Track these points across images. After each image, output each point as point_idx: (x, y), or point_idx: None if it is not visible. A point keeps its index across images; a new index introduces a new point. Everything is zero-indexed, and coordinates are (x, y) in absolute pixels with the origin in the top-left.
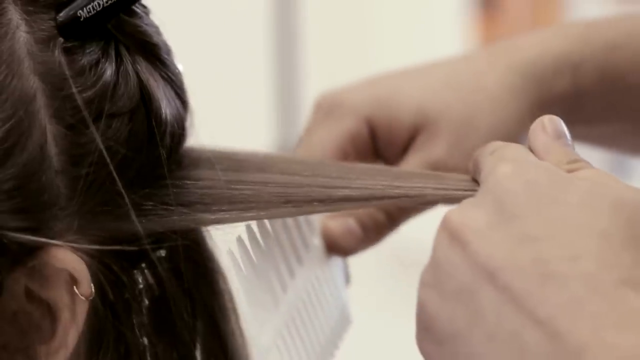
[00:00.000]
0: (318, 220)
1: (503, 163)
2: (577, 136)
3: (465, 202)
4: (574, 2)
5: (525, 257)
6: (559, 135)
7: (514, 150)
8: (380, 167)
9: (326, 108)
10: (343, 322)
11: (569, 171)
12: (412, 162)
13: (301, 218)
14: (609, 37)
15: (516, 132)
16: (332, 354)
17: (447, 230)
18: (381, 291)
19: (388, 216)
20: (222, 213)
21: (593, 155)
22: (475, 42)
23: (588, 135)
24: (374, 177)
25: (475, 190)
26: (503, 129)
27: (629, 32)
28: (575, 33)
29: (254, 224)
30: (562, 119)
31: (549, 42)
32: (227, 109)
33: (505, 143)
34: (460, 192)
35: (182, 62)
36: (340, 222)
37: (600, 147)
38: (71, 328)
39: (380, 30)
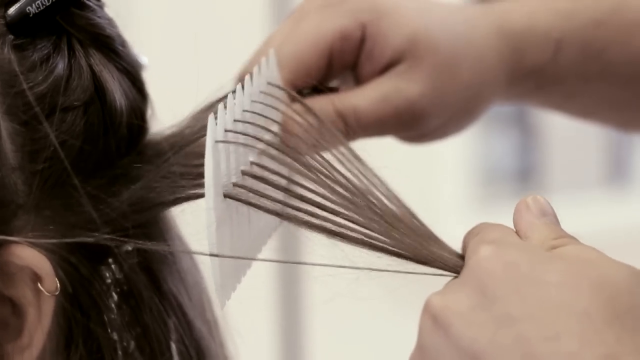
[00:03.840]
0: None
1: (484, 245)
2: (555, 108)
3: (447, 284)
4: None
5: (507, 338)
6: (544, 213)
7: (497, 231)
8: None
9: None
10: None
11: (554, 247)
12: (384, 85)
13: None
14: (594, 13)
15: (488, 93)
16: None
17: (430, 314)
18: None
19: (346, 128)
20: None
21: (593, 158)
22: None
23: (565, 107)
24: (369, 218)
25: (457, 271)
26: (478, 86)
27: (614, 7)
28: (562, 8)
29: None
30: (537, 92)
31: (536, 16)
32: None
33: (490, 224)
34: (448, 262)
35: (181, 62)
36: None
37: (579, 120)
38: (38, 325)
39: None
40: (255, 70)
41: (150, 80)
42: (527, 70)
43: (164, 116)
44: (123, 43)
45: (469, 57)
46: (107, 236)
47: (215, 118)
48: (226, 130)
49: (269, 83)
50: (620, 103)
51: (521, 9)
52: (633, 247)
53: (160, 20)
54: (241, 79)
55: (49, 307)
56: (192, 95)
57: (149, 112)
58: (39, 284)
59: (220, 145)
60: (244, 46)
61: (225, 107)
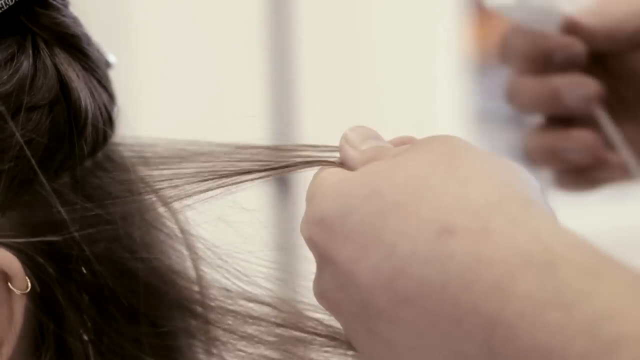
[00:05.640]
0: None
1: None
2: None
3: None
4: None
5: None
6: (365, 139)
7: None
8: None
9: None
10: None
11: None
12: None
13: None
14: None
15: None
16: None
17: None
18: None
19: None
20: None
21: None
22: (470, 44)
23: None
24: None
25: None
26: None
27: None
28: None
29: None
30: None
31: None
32: (222, 108)
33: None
34: None
35: (178, 61)
36: None
37: None
38: (10, 324)
39: (374, 32)
40: None
41: (150, 80)
42: None
43: (163, 116)
44: (89, 42)
45: None
46: (75, 234)
47: None
48: None
49: None
50: None
51: None
52: (633, 247)
53: (160, 21)
54: None
55: (20, 306)
56: (190, 97)
57: (115, 111)
58: (9, 283)
59: None
60: (243, 47)
61: None
